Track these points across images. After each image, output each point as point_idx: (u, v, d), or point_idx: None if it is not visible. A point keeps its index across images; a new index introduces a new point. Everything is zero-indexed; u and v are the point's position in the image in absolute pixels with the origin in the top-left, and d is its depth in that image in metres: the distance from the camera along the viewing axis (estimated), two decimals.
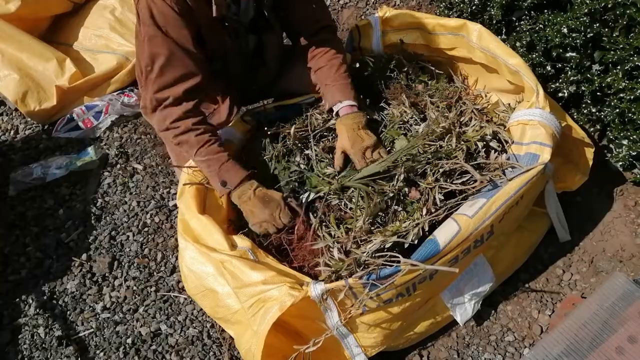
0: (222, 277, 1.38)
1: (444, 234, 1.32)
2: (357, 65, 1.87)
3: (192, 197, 1.52)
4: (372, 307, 1.37)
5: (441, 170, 1.46)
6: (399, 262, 1.27)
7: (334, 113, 1.64)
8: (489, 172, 1.49)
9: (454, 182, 1.47)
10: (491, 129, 1.59)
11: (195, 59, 1.49)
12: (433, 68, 1.86)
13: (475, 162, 1.51)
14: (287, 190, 1.55)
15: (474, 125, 1.62)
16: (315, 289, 1.28)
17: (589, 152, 1.68)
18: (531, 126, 1.50)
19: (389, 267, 1.28)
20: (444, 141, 1.54)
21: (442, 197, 1.44)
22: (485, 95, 1.81)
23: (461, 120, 1.65)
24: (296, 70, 1.79)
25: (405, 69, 1.81)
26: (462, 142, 1.54)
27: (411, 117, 1.63)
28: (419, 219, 1.39)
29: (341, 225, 1.44)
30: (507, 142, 1.58)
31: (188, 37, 1.45)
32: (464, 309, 1.54)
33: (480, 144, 1.55)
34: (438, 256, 1.32)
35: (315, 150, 1.61)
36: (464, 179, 1.48)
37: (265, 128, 1.67)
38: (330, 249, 1.39)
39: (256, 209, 1.46)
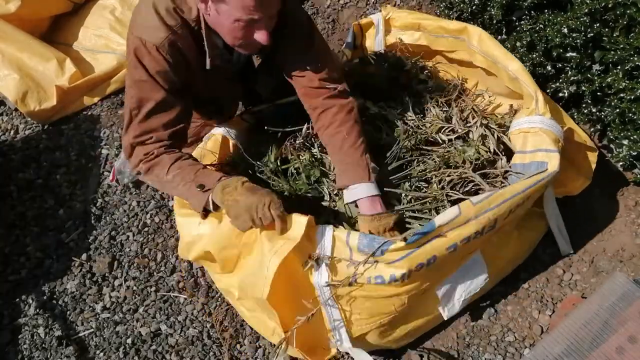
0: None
1: (442, 216, 1.31)
2: (357, 60, 1.88)
3: None
4: (362, 281, 1.34)
5: (447, 179, 1.47)
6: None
7: (351, 201, 1.47)
8: (495, 179, 1.50)
9: (459, 190, 1.47)
10: (496, 132, 1.59)
11: (185, 104, 1.45)
12: (433, 68, 1.87)
13: (481, 171, 1.51)
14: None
15: (475, 122, 1.62)
16: (321, 227, 1.30)
17: (592, 156, 1.68)
18: (533, 134, 1.50)
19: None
20: (451, 145, 1.55)
21: (448, 204, 1.44)
22: (489, 97, 1.80)
23: (462, 116, 1.65)
24: None
25: (407, 69, 1.82)
26: (467, 148, 1.55)
27: (412, 119, 1.64)
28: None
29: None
30: (509, 147, 1.58)
31: (178, 86, 1.41)
32: (451, 305, 1.52)
33: (483, 151, 1.55)
34: (433, 234, 1.31)
35: (319, 149, 1.61)
36: (467, 188, 1.49)
37: (266, 127, 1.66)
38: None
39: (242, 197, 1.27)
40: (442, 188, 1.45)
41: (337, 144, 1.48)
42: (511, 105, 1.72)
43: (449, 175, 1.47)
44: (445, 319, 1.55)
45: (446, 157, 1.53)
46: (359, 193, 1.43)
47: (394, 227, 1.41)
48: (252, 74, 1.60)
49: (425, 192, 1.47)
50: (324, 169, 1.58)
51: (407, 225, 1.44)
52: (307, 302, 1.35)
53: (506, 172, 1.52)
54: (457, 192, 1.45)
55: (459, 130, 1.59)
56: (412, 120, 1.63)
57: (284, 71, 1.55)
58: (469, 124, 1.63)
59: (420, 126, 1.62)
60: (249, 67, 1.57)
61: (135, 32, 1.35)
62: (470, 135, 1.61)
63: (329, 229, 1.31)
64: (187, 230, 1.45)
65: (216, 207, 1.36)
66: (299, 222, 1.26)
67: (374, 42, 1.92)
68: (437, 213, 1.43)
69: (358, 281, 1.34)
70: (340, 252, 1.31)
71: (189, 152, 1.52)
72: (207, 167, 1.45)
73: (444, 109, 1.67)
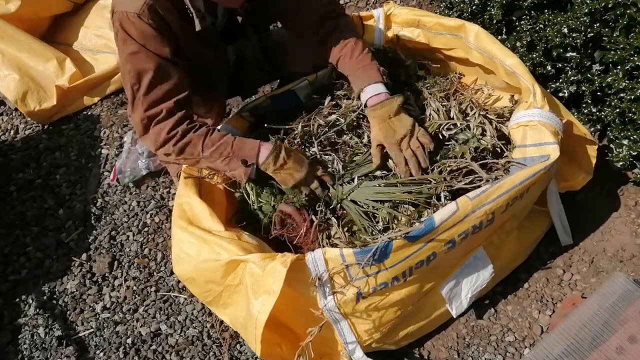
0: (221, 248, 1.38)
1: (441, 213, 1.32)
2: None
3: (191, 184, 1.54)
4: (367, 292, 1.36)
5: (448, 168, 1.47)
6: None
7: (362, 105, 1.57)
8: (496, 172, 1.49)
9: (459, 180, 1.47)
10: (494, 122, 1.59)
11: (181, 72, 1.46)
12: (431, 64, 1.87)
13: (482, 162, 1.51)
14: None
15: (474, 113, 1.61)
16: (310, 255, 1.30)
17: (592, 150, 1.67)
18: (532, 127, 1.49)
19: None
20: (453, 141, 1.55)
21: (448, 194, 1.44)
22: (488, 90, 1.80)
23: (461, 108, 1.65)
24: (297, 51, 1.77)
25: (406, 65, 1.82)
26: (467, 141, 1.55)
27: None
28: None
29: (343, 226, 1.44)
30: (509, 140, 1.58)
31: (168, 52, 1.42)
32: (459, 302, 1.52)
33: (486, 141, 1.55)
34: (433, 233, 1.31)
35: (319, 148, 1.60)
36: (470, 179, 1.48)
37: (265, 125, 1.65)
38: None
39: (293, 170, 1.44)
40: (444, 179, 1.45)
41: (347, 54, 1.58)
42: (512, 96, 1.72)
43: (449, 166, 1.47)
44: (455, 317, 1.56)
45: (446, 150, 1.53)
46: (368, 93, 1.53)
47: (399, 111, 1.49)
48: (238, 35, 1.66)
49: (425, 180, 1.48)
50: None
51: (404, 210, 1.44)
52: (316, 311, 1.35)
53: (508, 162, 1.52)
54: (457, 182, 1.45)
55: (459, 124, 1.59)
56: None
57: (284, 20, 1.65)
58: (467, 117, 1.63)
59: (421, 122, 1.62)
60: (232, 29, 1.64)
61: (116, 9, 1.37)
62: (470, 127, 1.61)
63: (320, 255, 1.30)
64: (178, 244, 1.43)
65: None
66: (279, 272, 1.25)
67: (373, 38, 1.92)
68: (437, 200, 1.44)
69: (363, 293, 1.35)
70: (338, 270, 1.31)
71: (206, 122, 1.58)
72: (237, 137, 1.50)
73: (443, 103, 1.67)
